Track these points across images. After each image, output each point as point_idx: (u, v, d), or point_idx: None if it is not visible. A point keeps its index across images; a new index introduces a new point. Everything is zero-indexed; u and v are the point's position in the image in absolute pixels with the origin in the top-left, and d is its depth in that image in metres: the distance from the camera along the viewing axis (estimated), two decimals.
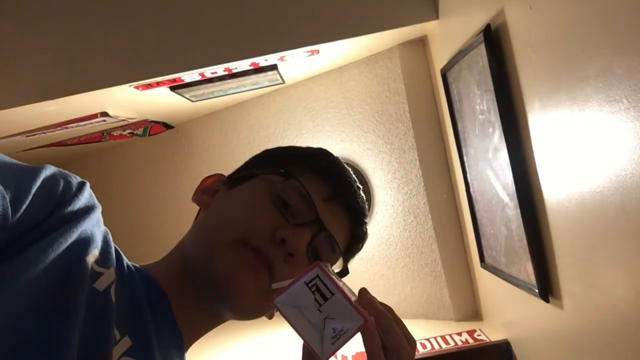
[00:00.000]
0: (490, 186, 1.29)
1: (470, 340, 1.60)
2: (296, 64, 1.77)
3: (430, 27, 1.63)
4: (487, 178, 1.29)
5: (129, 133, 2.28)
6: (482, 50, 1.14)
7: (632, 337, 0.79)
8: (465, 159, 1.47)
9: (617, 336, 0.84)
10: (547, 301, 1.08)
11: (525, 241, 1.10)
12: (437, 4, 1.50)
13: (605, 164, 0.78)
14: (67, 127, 1.90)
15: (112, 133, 2.20)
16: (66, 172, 0.47)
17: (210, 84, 1.76)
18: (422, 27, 1.58)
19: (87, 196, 0.47)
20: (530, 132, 1.03)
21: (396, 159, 1.89)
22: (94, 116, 1.81)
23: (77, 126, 1.92)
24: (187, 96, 1.86)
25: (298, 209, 0.56)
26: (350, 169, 0.65)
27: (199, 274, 0.53)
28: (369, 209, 1.99)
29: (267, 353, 1.86)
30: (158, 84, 1.62)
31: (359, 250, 0.66)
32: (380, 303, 0.47)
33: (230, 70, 1.65)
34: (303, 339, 0.37)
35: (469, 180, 1.48)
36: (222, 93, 1.94)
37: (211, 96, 1.95)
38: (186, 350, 0.56)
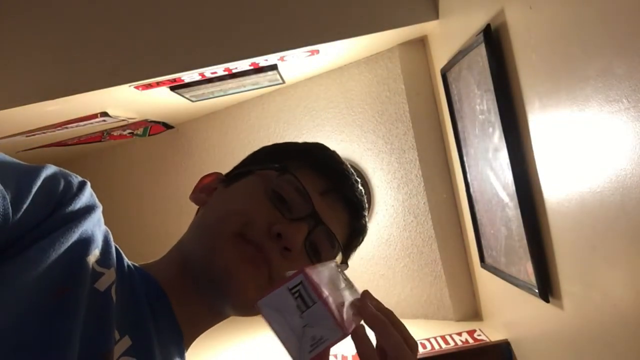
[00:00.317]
0: (490, 186, 1.29)
1: (470, 340, 1.60)
2: (296, 64, 1.77)
3: (430, 27, 1.63)
4: (487, 178, 1.29)
5: (129, 133, 2.28)
6: (482, 50, 1.14)
7: (632, 337, 0.79)
8: (465, 159, 1.47)
9: (617, 336, 0.84)
10: (547, 301, 1.08)
11: (525, 241, 1.10)
12: (437, 4, 1.50)
13: (605, 164, 0.78)
14: (67, 127, 1.90)
15: (112, 133, 2.20)
16: (67, 171, 0.46)
17: (210, 84, 1.76)
18: (422, 27, 1.58)
19: (87, 196, 0.47)
20: (530, 132, 1.03)
21: (396, 159, 1.89)
22: (94, 116, 1.81)
23: (77, 126, 1.92)
24: (187, 96, 1.86)
25: (294, 204, 0.56)
26: (347, 163, 0.64)
27: (198, 270, 0.53)
28: (369, 209, 1.99)
29: (267, 353, 1.86)
30: (158, 84, 1.62)
31: (360, 243, 0.66)
32: (380, 307, 0.46)
33: (230, 70, 1.65)
34: (282, 343, 0.37)
35: (469, 180, 1.48)
36: (222, 93, 1.94)
37: (211, 96, 1.95)
38: (186, 348, 0.56)
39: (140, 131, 2.31)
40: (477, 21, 1.19)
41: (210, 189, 0.62)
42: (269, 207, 0.55)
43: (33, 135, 1.90)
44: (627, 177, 0.72)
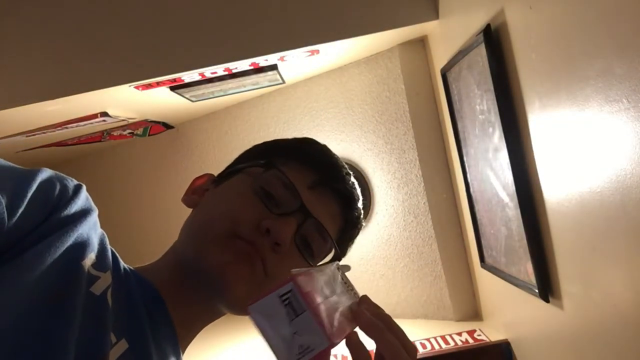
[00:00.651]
0: (490, 186, 1.29)
1: (470, 340, 1.60)
2: (296, 64, 1.77)
3: (430, 27, 1.63)
4: (487, 178, 1.29)
5: (129, 133, 2.28)
6: (482, 50, 1.14)
7: (632, 337, 0.79)
8: (465, 159, 1.47)
9: (617, 336, 0.84)
10: (547, 301, 1.08)
11: (525, 241, 1.10)
12: (437, 4, 1.50)
13: (605, 164, 0.78)
14: (67, 127, 1.90)
15: (112, 133, 2.20)
16: (62, 175, 0.46)
17: (210, 84, 1.76)
18: (422, 27, 1.58)
19: (83, 199, 0.47)
20: (530, 132, 1.03)
21: (396, 159, 1.89)
22: (94, 116, 1.81)
23: (77, 126, 1.92)
24: (187, 96, 1.86)
25: (282, 199, 0.55)
26: (338, 156, 0.64)
27: (192, 271, 0.53)
28: (369, 209, 1.99)
29: (266, 353, 1.86)
30: (158, 84, 1.62)
31: (355, 236, 0.65)
32: (377, 312, 0.46)
33: (230, 70, 1.65)
34: (271, 350, 0.37)
35: (469, 180, 1.48)
36: (222, 93, 1.94)
37: (211, 96, 1.95)
38: (182, 350, 0.56)
39: (140, 131, 2.31)
40: (477, 21, 1.19)
41: (202, 191, 0.62)
42: (256, 203, 0.55)
43: (33, 135, 1.90)
44: (627, 177, 0.72)
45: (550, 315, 1.10)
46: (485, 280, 1.63)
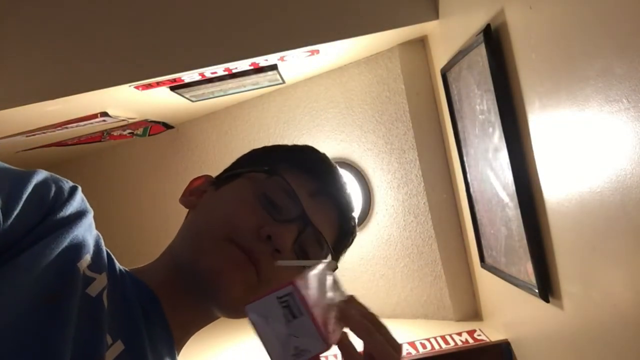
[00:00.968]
0: (490, 186, 1.29)
1: (470, 340, 1.60)
2: (296, 64, 1.77)
3: (430, 27, 1.63)
4: (487, 178, 1.29)
5: (129, 133, 2.28)
6: (482, 50, 1.14)
7: (632, 337, 0.79)
8: (465, 159, 1.47)
9: (617, 336, 0.84)
10: (547, 301, 1.08)
11: (525, 241, 1.10)
12: (437, 4, 1.50)
13: (605, 164, 0.78)
14: (67, 127, 1.90)
15: (112, 133, 2.20)
16: (58, 176, 0.46)
17: (210, 84, 1.76)
18: (422, 27, 1.58)
19: (78, 201, 0.47)
20: (530, 132, 1.03)
21: (396, 159, 1.89)
22: (94, 116, 1.81)
23: (77, 126, 1.92)
24: (187, 96, 1.86)
25: (284, 206, 0.56)
26: (336, 165, 0.65)
27: (188, 274, 0.53)
28: (369, 209, 1.99)
29: (262, 355, 1.86)
30: (158, 84, 1.62)
31: (349, 245, 0.66)
32: (364, 312, 0.46)
33: (230, 70, 1.65)
34: (265, 349, 0.38)
35: (469, 180, 1.48)
36: (222, 93, 1.94)
37: (211, 96, 1.95)
38: (178, 352, 0.56)
39: (140, 131, 2.30)
40: (477, 21, 1.19)
41: (199, 192, 0.62)
42: (258, 209, 0.55)
43: (33, 135, 1.90)
44: (627, 177, 0.72)
45: (550, 315, 1.10)
46: (485, 280, 1.63)
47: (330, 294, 0.46)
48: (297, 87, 2.12)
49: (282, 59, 1.64)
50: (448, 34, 1.48)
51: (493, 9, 1.10)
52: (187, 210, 0.64)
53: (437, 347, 1.59)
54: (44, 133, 1.91)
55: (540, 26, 0.92)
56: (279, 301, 0.38)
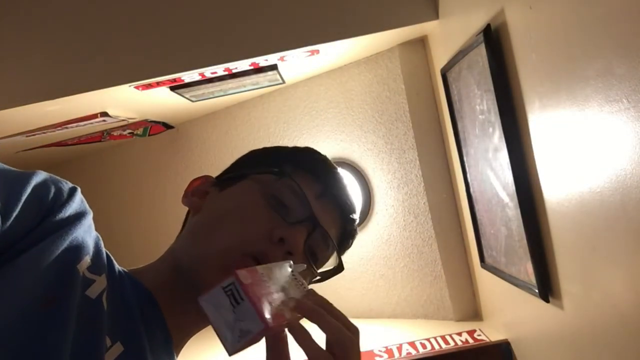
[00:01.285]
0: (490, 186, 1.29)
1: (470, 340, 1.60)
2: (296, 64, 1.77)
3: (430, 27, 1.63)
4: (487, 178, 1.29)
5: (129, 133, 2.28)
6: (482, 50, 1.14)
7: (632, 337, 0.79)
8: (465, 159, 1.47)
9: (617, 336, 0.84)
10: (547, 301, 1.08)
11: (525, 241, 1.10)
12: (437, 4, 1.50)
13: (605, 164, 0.78)
14: (67, 127, 1.90)
15: (112, 133, 2.20)
16: (57, 177, 0.46)
17: (210, 84, 1.76)
18: (422, 27, 1.58)
19: (78, 202, 0.46)
20: (530, 132, 1.03)
21: (396, 159, 1.89)
22: (94, 116, 1.81)
23: (77, 126, 1.92)
24: (187, 96, 1.86)
25: (293, 208, 0.56)
26: (337, 167, 0.66)
27: (188, 279, 0.53)
28: (369, 209, 1.99)
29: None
30: (158, 84, 1.62)
31: (350, 245, 0.67)
32: (319, 301, 0.48)
33: (230, 70, 1.65)
34: (218, 336, 0.42)
35: (469, 180, 1.48)
36: (222, 93, 1.94)
37: (211, 96, 1.95)
38: (176, 354, 0.56)
39: (140, 131, 2.30)
40: (477, 21, 1.19)
41: (202, 192, 0.61)
42: (269, 212, 0.55)
43: (33, 135, 1.90)
44: (627, 177, 0.72)
45: (550, 315, 1.10)
46: (485, 280, 1.63)
47: (289, 289, 0.49)
48: (297, 87, 2.12)
49: (282, 59, 1.64)
50: (448, 34, 1.48)
51: (493, 9, 1.10)
52: (187, 209, 0.63)
53: (437, 347, 1.59)
54: (44, 133, 1.91)
55: (540, 26, 0.92)
56: (224, 290, 0.42)
